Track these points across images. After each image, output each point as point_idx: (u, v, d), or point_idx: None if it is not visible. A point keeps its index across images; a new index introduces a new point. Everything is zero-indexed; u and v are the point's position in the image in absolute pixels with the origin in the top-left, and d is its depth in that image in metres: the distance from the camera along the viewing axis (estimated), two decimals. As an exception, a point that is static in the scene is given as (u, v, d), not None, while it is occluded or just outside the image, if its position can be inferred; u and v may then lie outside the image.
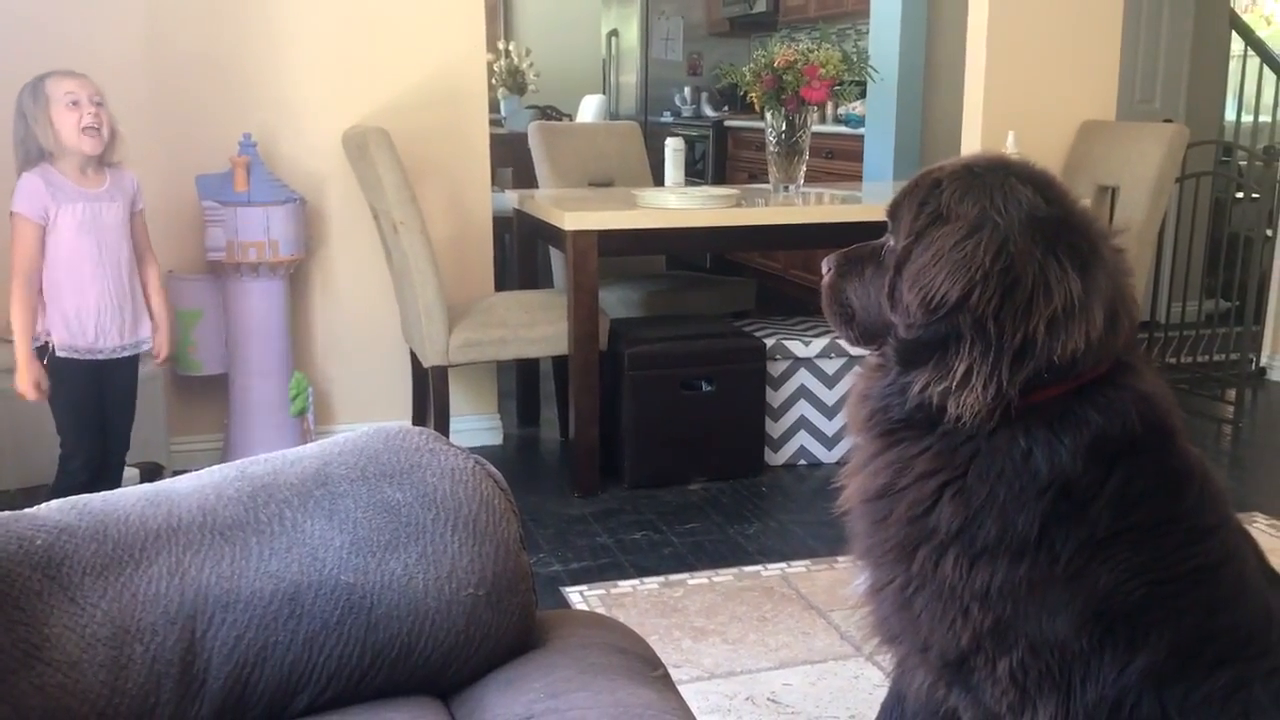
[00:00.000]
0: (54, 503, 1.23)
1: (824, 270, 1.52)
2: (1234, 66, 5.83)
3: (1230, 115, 5.94)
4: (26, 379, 2.75)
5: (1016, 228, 1.32)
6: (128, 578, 1.15)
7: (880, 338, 1.45)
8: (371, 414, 3.82)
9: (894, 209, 1.44)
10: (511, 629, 1.28)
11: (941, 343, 1.34)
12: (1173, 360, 4.81)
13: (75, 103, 2.75)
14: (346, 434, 1.37)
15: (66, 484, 2.79)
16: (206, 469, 1.32)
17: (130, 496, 1.25)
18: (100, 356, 2.82)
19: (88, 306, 2.79)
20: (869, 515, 1.45)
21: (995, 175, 1.36)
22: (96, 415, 2.85)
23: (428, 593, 1.21)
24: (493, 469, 1.36)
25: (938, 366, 1.34)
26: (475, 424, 4.00)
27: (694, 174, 6.98)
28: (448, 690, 1.27)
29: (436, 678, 1.25)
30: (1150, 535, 1.32)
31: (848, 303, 1.49)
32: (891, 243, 1.43)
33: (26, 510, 1.21)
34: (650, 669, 1.31)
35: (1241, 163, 5.38)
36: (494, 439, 4.04)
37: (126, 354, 2.88)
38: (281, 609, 1.17)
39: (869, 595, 1.50)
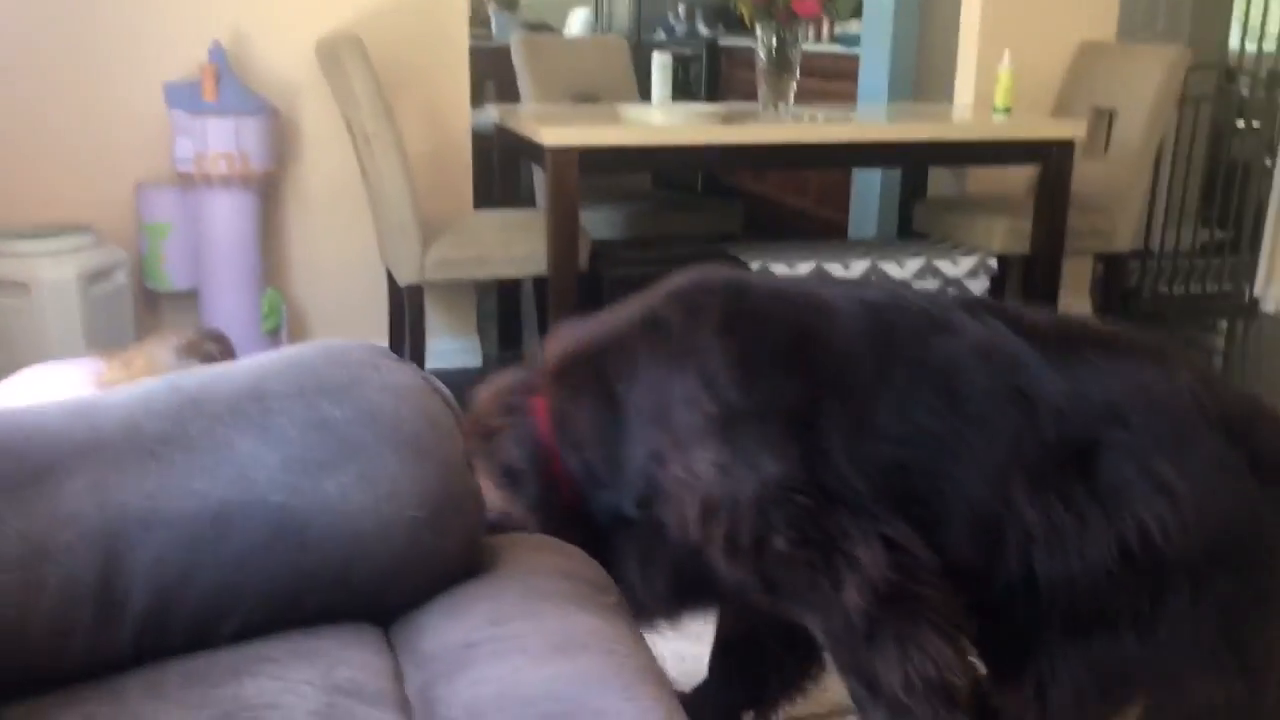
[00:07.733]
0: (-33, 415, 1.16)
1: None
2: (1241, -10, 5.67)
3: (1235, 43, 5.79)
4: None
5: None
6: (44, 494, 1.09)
7: None
8: (347, 333, 3.72)
9: None
10: (455, 553, 1.22)
11: None
12: (1165, 290, 4.74)
13: None
14: (288, 348, 1.30)
15: None
16: (138, 382, 1.25)
17: (52, 409, 1.18)
18: None
19: None
20: None
21: None
22: None
23: (364, 514, 1.15)
24: (440, 385, 1.29)
25: None
26: (453, 345, 3.93)
27: (687, 95, 6.84)
28: (387, 616, 1.21)
29: (374, 604, 1.19)
30: None
31: None
32: None
33: (-63, 422, 1.14)
34: (601, 595, 1.26)
35: (1244, 92, 5.25)
36: (473, 361, 3.97)
37: None
38: (207, 529, 1.10)
39: None
